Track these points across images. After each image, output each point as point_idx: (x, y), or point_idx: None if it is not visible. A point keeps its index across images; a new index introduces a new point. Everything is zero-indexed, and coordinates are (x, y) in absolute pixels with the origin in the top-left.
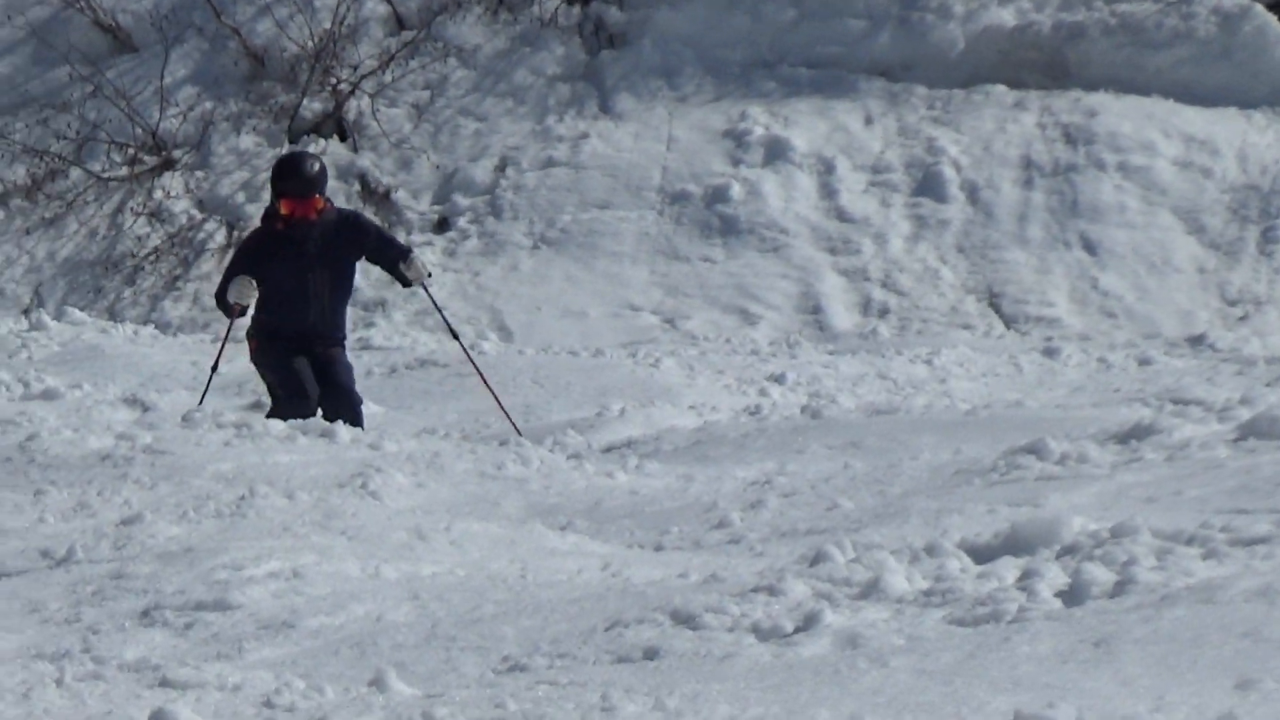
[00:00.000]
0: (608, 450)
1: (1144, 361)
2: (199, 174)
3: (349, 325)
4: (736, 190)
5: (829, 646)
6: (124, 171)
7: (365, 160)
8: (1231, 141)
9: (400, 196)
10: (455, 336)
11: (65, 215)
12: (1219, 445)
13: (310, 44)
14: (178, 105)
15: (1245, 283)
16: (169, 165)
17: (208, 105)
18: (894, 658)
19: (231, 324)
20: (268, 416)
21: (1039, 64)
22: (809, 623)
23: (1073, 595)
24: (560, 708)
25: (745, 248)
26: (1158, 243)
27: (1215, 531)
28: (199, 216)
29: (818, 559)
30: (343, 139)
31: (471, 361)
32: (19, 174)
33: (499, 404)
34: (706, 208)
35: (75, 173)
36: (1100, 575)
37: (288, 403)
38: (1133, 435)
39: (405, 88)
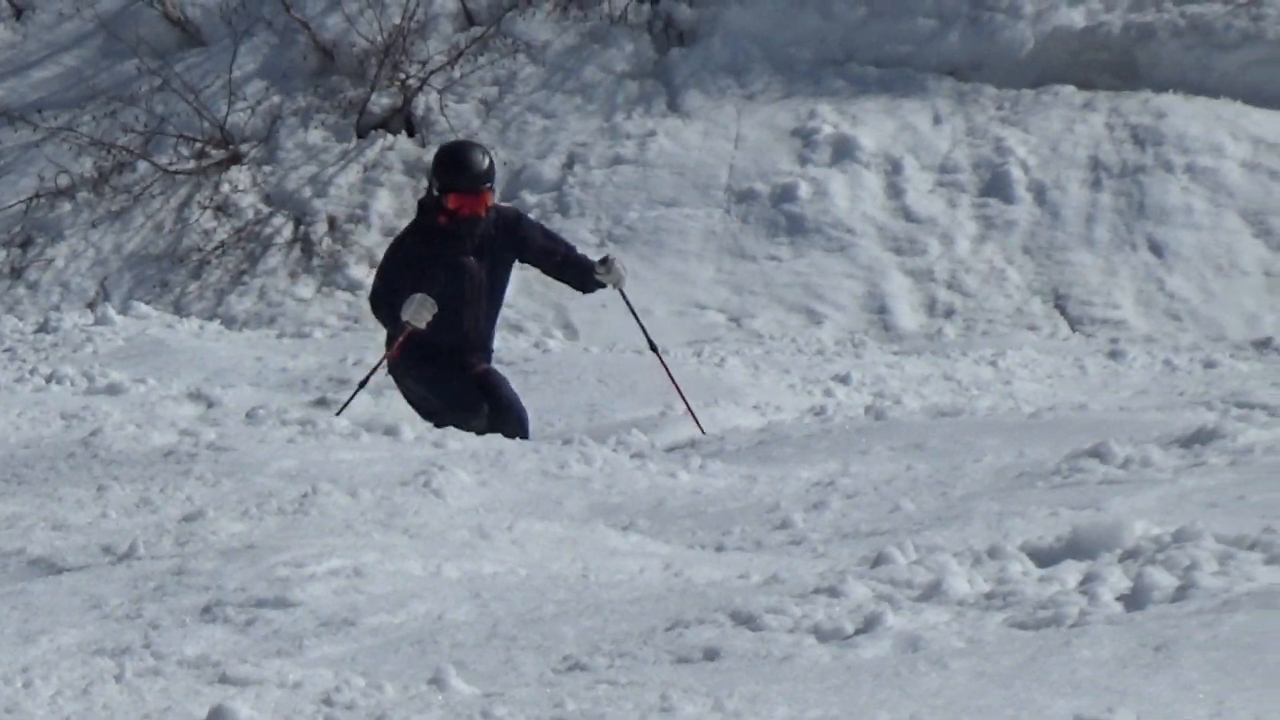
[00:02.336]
0: (671, 450)
1: (1209, 365)
2: (266, 168)
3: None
4: (803, 189)
5: (889, 648)
6: (191, 165)
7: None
8: None
9: None
10: (654, 348)
11: (132, 209)
12: None
13: (379, 39)
14: (245, 99)
15: None
16: (236, 159)
17: (275, 99)
18: (954, 660)
19: (400, 341)
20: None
21: (1108, 65)
22: (869, 624)
23: (1134, 599)
24: (619, 707)
25: (811, 247)
26: (1224, 245)
27: (1278, 537)
28: (266, 211)
29: (879, 561)
30: (410, 134)
31: (668, 372)
32: (86, 167)
33: (689, 409)
34: (773, 206)
35: (142, 166)
36: (1162, 580)
37: (453, 416)
38: (1196, 439)
39: (474, 83)
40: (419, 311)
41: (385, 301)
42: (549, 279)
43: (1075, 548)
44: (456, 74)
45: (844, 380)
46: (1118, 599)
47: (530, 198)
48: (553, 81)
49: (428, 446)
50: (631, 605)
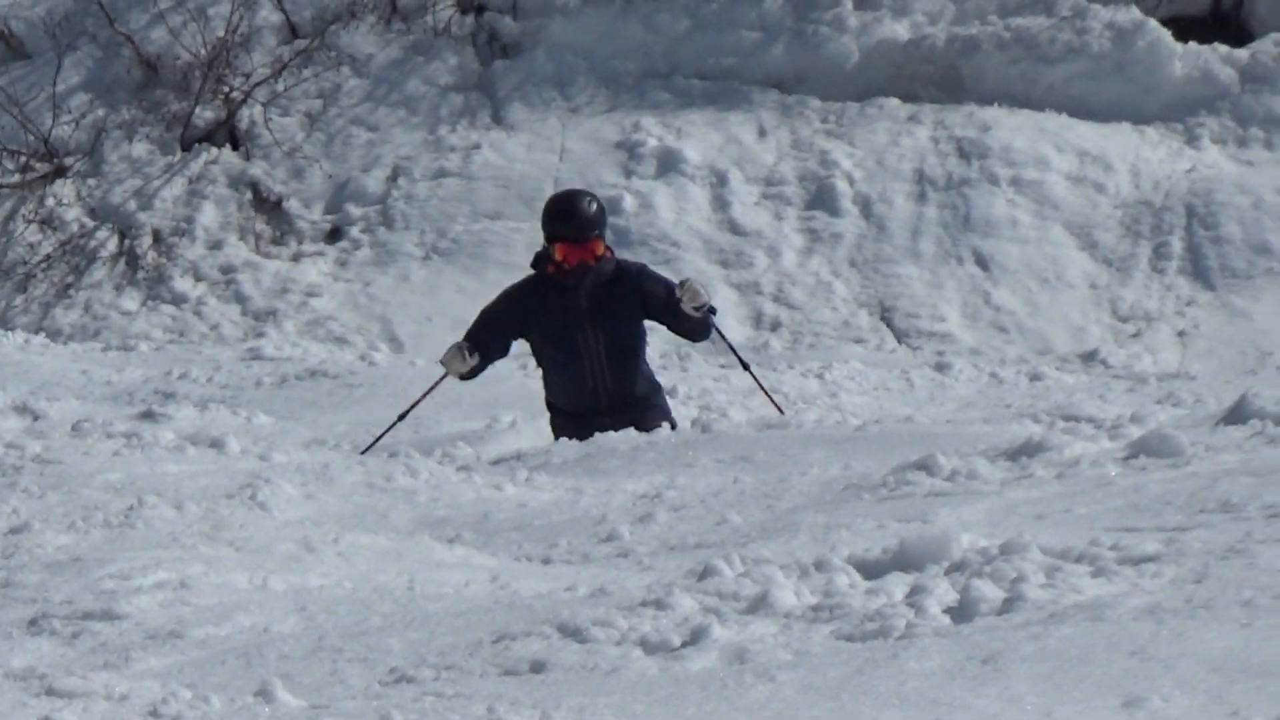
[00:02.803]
0: (497, 462)
1: (1035, 377)
2: (91, 181)
3: (658, 384)
4: (629, 202)
5: (716, 661)
6: (15, 179)
7: (257, 169)
8: (1125, 157)
9: (292, 206)
10: (746, 367)
11: None
12: (1109, 463)
13: (203, 52)
14: (70, 112)
15: (1137, 299)
16: (61, 172)
17: (100, 113)
18: (781, 673)
19: (439, 381)
20: None
21: (933, 78)
22: (696, 637)
23: (961, 612)
24: (446, 719)
25: (636, 259)
26: (1050, 258)
27: (1104, 549)
28: (90, 224)
29: (706, 573)
30: (235, 147)
31: (764, 391)
32: None
33: (767, 394)
34: None
35: None
36: (989, 592)
37: None
38: (1023, 452)
39: (298, 96)
40: (453, 358)
41: (470, 334)
42: (372, 293)
43: (902, 560)
44: (280, 87)
45: (671, 393)
46: (945, 611)
47: (355, 211)
48: (377, 94)
49: (253, 460)
50: (458, 618)
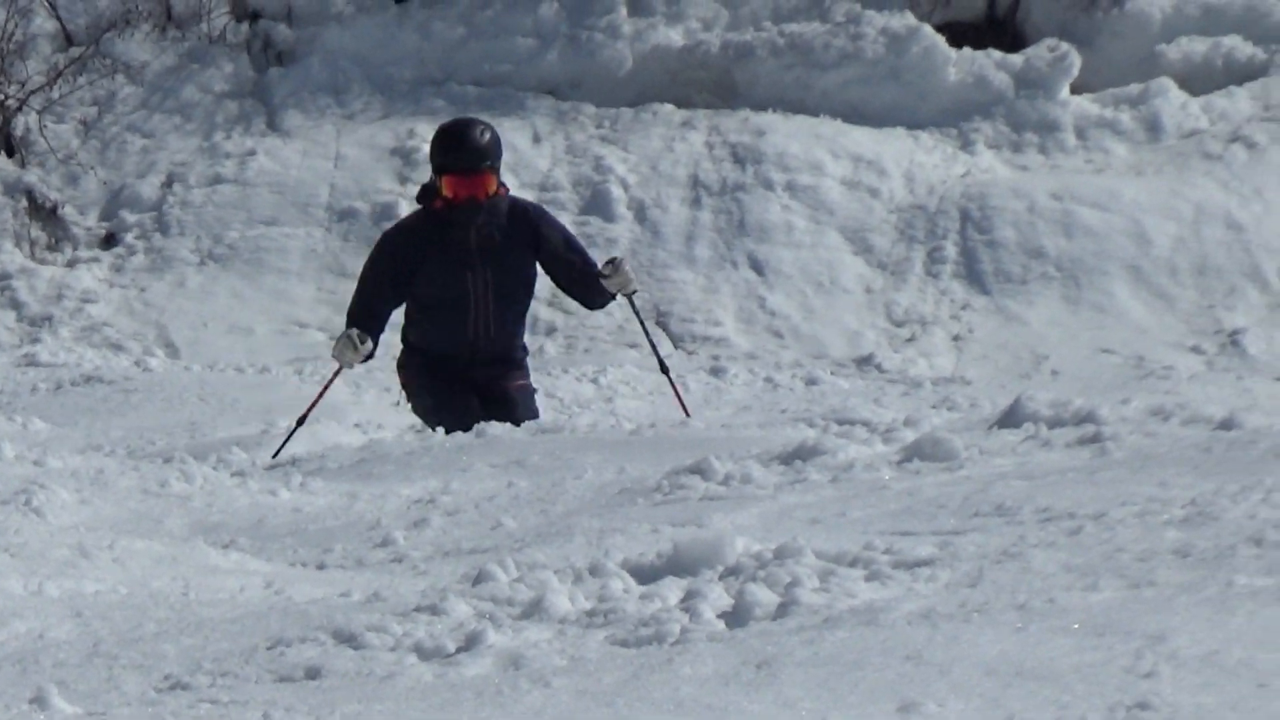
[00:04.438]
0: (272, 468)
1: (810, 382)
2: None
3: (526, 346)
4: (404, 208)
5: (491, 666)
6: None
7: (32, 176)
8: (899, 162)
9: (67, 212)
10: (664, 370)
11: None
12: (883, 467)
13: None
14: None
15: (912, 303)
16: None
17: None
18: (556, 678)
19: (334, 377)
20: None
21: (707, 83)
22: (471, 643)
23: (736, 616)
24: None
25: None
26: (825, 263)
27: (878, 553)
28: None
29: (480, 578)
30: (9, 155)
31: (677, 394)
32: None
33: (679, 398)
34: (374, 225)
35: None
36: (763, 596)
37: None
38: (797, 456)
39: (73, 104)
40: (344, 350)
41: (356, 315)
42: (148, 299)
43: (676, 565)
44: (56, 94)
45: None
46: (719, 616)
47: (130, 217)
48: (152, 101)
49: (28, 465)
50: (233, 624)
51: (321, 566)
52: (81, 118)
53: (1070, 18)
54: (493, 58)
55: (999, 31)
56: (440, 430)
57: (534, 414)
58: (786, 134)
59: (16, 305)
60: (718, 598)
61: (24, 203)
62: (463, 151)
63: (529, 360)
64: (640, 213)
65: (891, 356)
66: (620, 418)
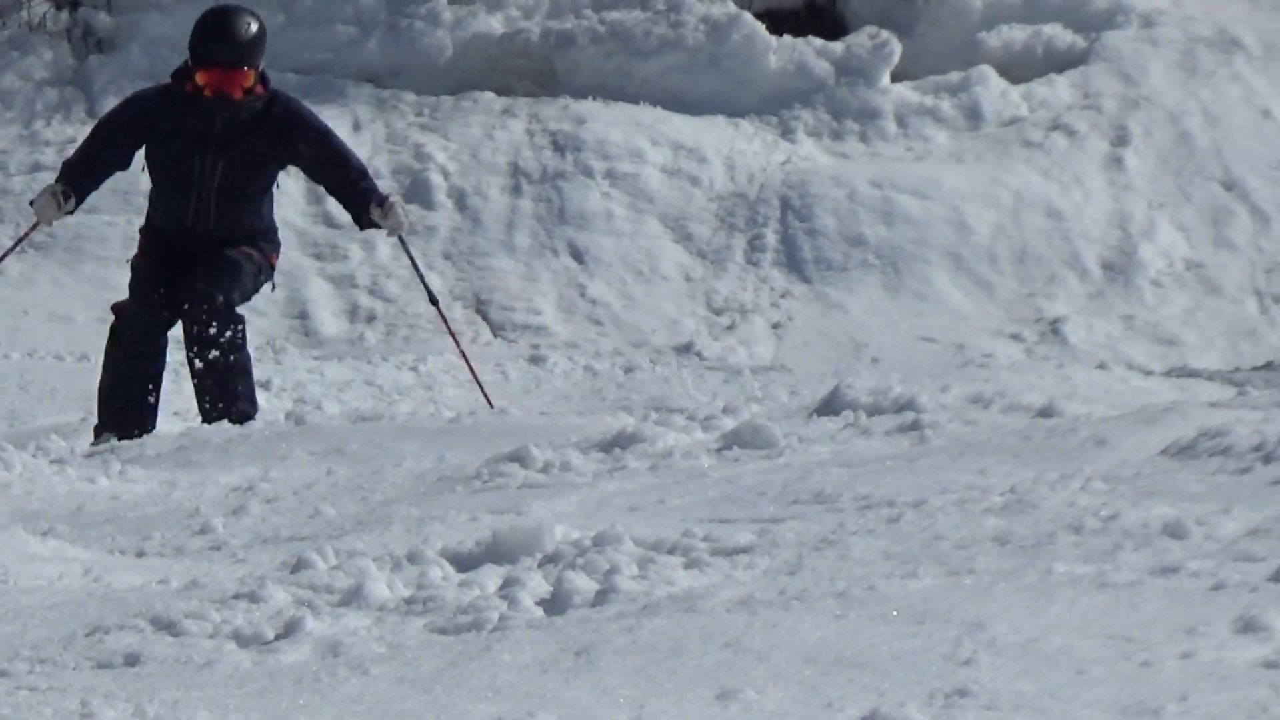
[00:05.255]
0: (90, 455)
1: (630, 370)
2: None
3: (268, 232)
4: None
5: (310, 654)
6: None
7: None
8: (720, 149)
9: None
10: (434, 301)
11: None
12: (702, 454)
13: None
14: None
15: (732, 291)
16: None
17: None
18: (375, 666)
19: (31, 230)
20: (114, 324)
21: (528, 71)
22: (290, 630)
23: (554, 604)
24: (39, 713)
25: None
26: (645, 251)
27: (697, 540)
28: None
29: (299, 566)
30: None
31: (449, 329)
32: None
33: (474, 375)
34: None
35: None
36: (582, 584)
37: (127, 308)
38: (616, 443)
39: None
40: (45, 206)
41: (75, 163)
42: None
43: (495, 552)
44: None
45: (264, 386)
46: (538, 603)
47: None
48: None
49: None
50: (51, 611)
51: (140, 554)
52: None
53: (890, 5)
54: (312, 46)
55: (819, 19)
56: (131, 290)
57: (231, 272)
58: (607, 122)
59: None
60: (536, 585)
61: None
62: (223, 44)
63: (272, 238)
64: (460, 201)
65: (711, 344)
66: (440, 406)
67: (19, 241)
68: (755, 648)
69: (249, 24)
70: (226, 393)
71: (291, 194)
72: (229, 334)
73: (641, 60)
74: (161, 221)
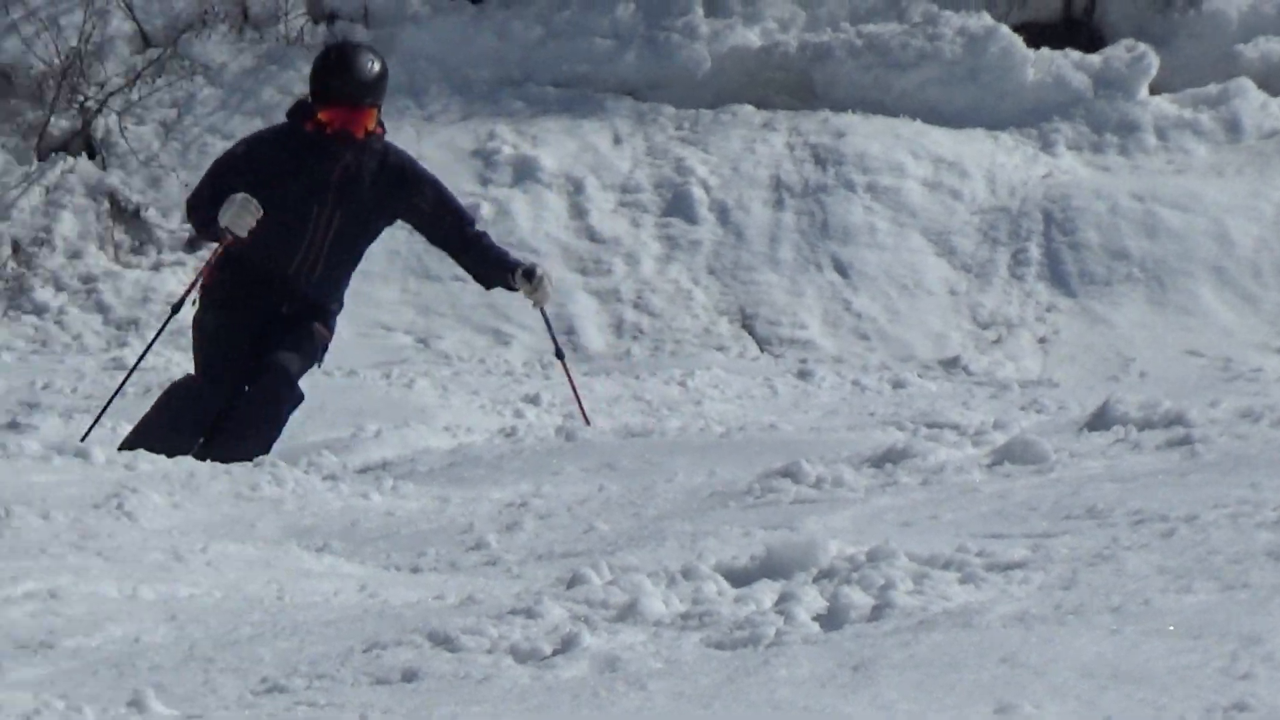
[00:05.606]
0: (363, 471)
1: (898, 384)
2: None
3: (343, 301)
4: (486, 210)
5: (587, 669)
6: None
7: (114, 178)
8: (980, 163)
9: (150, 215)
10: (559, 355)
11: None
12: (974, 469)
13: (57, 61)
14: None
15: (997, 305)
16: None
17: None
18: (652, 681)
19: (217, 253)
20: (175, 385)
21: (786, 84)
22: (567, 645)
23: (830, 619)
24: None
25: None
26: (908, 265)
27: (971, 556)
28: None
29: (574, 581)
30: (91, 156)
31: (576, 396)
32: None
33: (583, 414)
34: None
35: None
36: (858, 599)
37: (196, 384)
38: (887, 459)
39: (152, 105)
40: (240, 215)
41: (206, 201)
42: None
43: (770, 567)
44: (135, 96)
45: (534, 401)
46: (814, 619)
47: None
48: (231, 103)
49: (119, 469)
50: (328, 627)
51: (415, 570)
52: (161, 119)
53: (1147, 18)
54: (571, 58)
55: (1076, 32)
56: (202, 363)
57: (306, 353)
58: (866, 135)
59: (103, 309)
60: (812, 600)
61: (107, 205)
62: (347, 81)
63: (338, 317)
64: (723, 214)
65: (978, 359)
66: (709, 420)
67: (211, 263)
68: (1032, 663)
69: (373, 61)
70: (252, 429)
71: (554, 209)
72: (285, 408)
73: (899, 73)
74: (263, 265)
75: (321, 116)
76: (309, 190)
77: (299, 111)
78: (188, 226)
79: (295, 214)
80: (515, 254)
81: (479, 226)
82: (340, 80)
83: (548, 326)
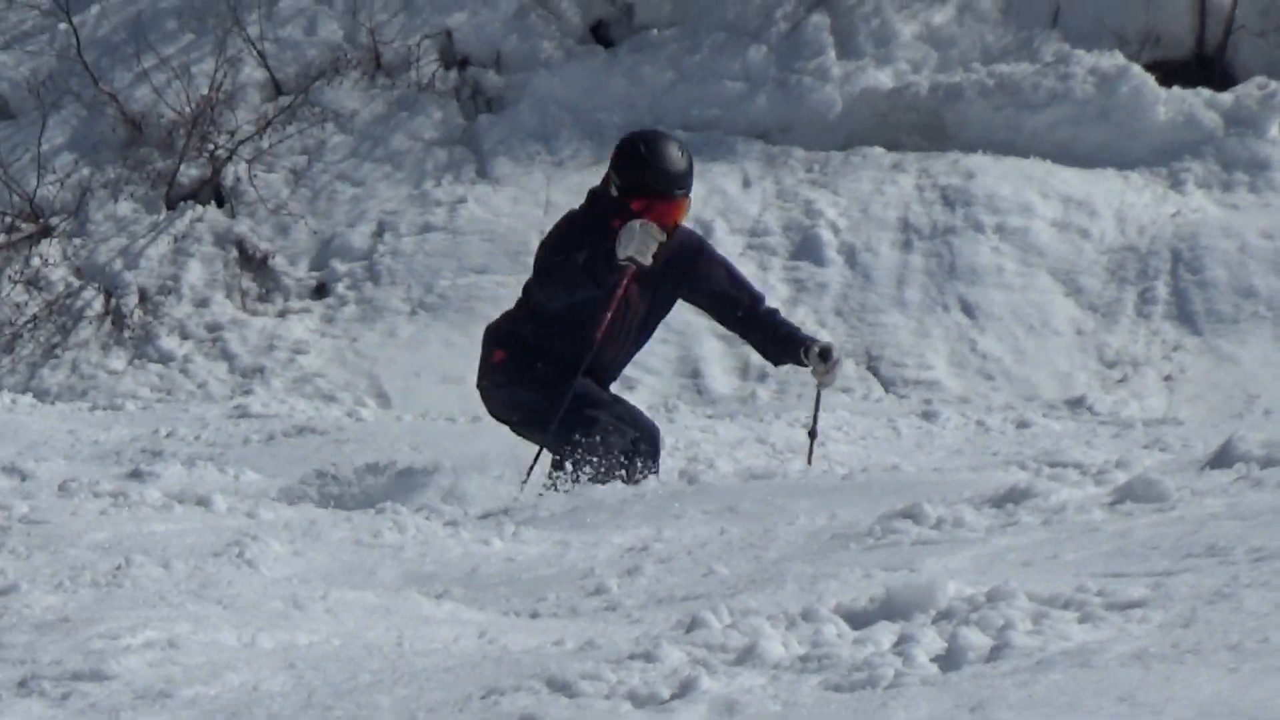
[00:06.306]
0: (484, 517)
1: (1022, 424)
2: (76, 241)
3: None
4: None
5: (705, 713)
6: (1, 239)
7: (243, 226)
8: (1109, 202)
9: (278, 263)
10: (812, 435)
11: None
12: (1095, 509)
13: (188, 110)
14: (55, 172)
15: (1123, 345)
16: (47, 232)
17: (85, 172)
18: None
19: (635, 273)
20: (557, 467)
21: (917, 126)
22: (685, 689)
23: (949, 660)
24: None
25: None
26: (1035, 304)
27: (1091, 595)
28: (76, 284)
29: (694, 625)
30: (220, 205)
31: (809, 457)
32: None
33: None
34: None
35: None
36: (976, 640)
37: (613, 432)
38: (1009, 499)
39: (282, 153)
40: (643, 241)
41: (565, 264)
42: (359, 349)
43: (889, 609)
44: (265, 144)
45: None
46: (932, 660)
47: (341, 266)
48: (361, 150)
49: (240, 517)
50: (446, 673)
51: (535, 615)
52: (291, 167)
53: (1279, 56)
54: (701, 102)
55: (1207, 70)
56: (604, 412)
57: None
58: (997, 176)
59: (228, 356)
60: (930, 641)
61: (234, 253)
62: (664, 175)
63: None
64: (850, 256)
65: (1103, 398)
66: (833, 462)
67: (621, 286)
68: (1150, 701)
69: (682, 151)
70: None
71: None
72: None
73: (1030, 113)
74: (568, 353)
75: (654, 216)
76: (633, 279)
77: (612, 208)
78: (315, 274)
79: (606, 303)
80: (805, 331)
81: (770, 303)
82: (654, 174)
83: (816, 406)
